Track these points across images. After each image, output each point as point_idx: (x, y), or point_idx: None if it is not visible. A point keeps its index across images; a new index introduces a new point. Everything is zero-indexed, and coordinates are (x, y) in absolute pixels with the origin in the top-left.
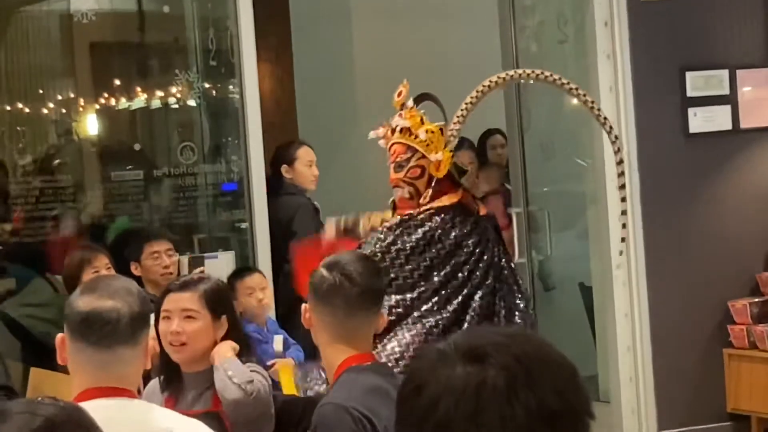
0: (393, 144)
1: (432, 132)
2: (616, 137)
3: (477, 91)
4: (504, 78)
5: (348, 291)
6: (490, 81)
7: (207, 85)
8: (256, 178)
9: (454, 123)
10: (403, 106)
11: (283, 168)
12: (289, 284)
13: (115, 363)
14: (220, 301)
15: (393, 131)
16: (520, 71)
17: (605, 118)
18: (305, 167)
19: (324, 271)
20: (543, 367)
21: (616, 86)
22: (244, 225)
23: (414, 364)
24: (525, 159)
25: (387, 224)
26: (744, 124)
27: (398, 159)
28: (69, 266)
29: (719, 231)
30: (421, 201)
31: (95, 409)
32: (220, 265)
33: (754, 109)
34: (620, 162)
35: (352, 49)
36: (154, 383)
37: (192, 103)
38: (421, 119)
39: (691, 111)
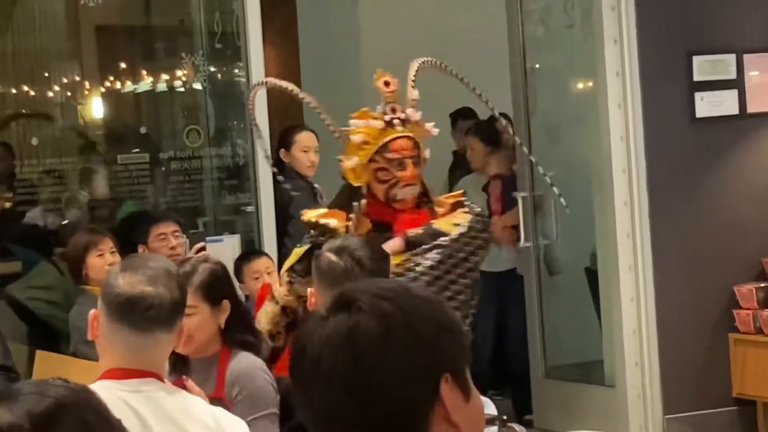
0: (399, 138)
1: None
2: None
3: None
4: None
5: (358, 275)
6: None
7: (213, 69)
8: (262, 161)
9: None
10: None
11: (281, 152)
12: None
13: (151, 347)
14: (217, 288)
15: (392, 122)
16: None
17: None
18: (301, 153)
19: (332, 256)
20: (410, 300)
21: (623, 71)
22: (249, 208)
23: (299, 331)
24: (531, 143)
25: (446, 239)
26: (751, 108)
27: (412, 154)
28: (74, 249)
29: (725, 215)
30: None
31: (135, 388)
32: (225, 249)
33: (761, 93)
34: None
35: (358, 32)
36: None
37: (198, 86)
38: None
39: (697, 95)
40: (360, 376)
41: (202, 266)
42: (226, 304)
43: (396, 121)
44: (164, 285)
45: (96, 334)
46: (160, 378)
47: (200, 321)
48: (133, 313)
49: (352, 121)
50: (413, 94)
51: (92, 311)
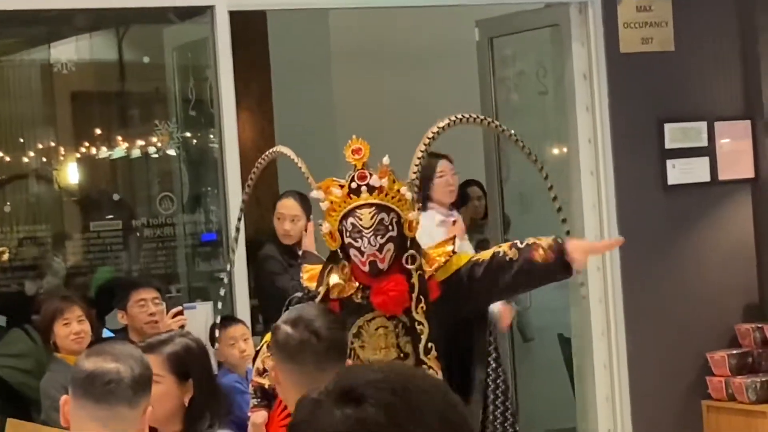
0: (360, 206)
1: (408, 190)
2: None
3: (424, 144)
4: (448, 124)
5: (316, 347)
6: (436, 128)
7: (187, 135)
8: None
9: (413, 179)
10: (365, 164)
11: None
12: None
13: (114, 420)
14: (187, 363)
15: (353, 192)
16: (465, 116)
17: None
18: (277, 220)
19: (289, 329)
20: (420, 394)
21: (594, 138)
22: (222, 275)
23: (294, 417)
24: (504, 209)
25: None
26: (722, 176)
27: (374, 222)
28: (42, 317)
29: (698, 282)
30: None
31: None
32: (198, 316)
33: (732, 161)
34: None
35: (332, 98)
36: None
37: (172, 152)
38: (394, 178)
39: (669, 163)
40: None
41: (179, 339)
42: (191, 383)
43: (363, 188)
44: (125, 362)
45: (67, 418)
46: None
47: (162, 392)
48: (94, 387)
49: (313, 193)
50: (384, 160)
51: (64, 397)
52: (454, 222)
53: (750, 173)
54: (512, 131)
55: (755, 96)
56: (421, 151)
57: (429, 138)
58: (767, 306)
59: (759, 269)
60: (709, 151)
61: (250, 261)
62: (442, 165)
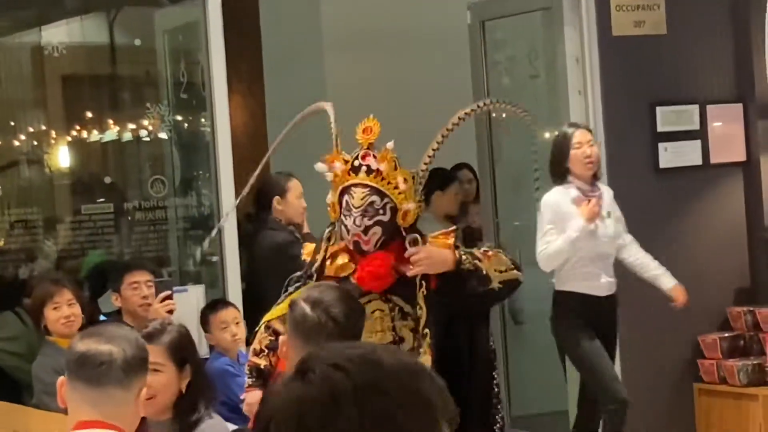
0: (356, 185)
1: (406, 180)
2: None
3: (442, 135)
4: (470, 112)
5: (331, 331)
6: (458, 118)
7: (178, 118)
8: (227, 210)
9: (423, 169)
10: (371, 145)
11: (275, 200)
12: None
13: (105, 402)
14: (184, 350)
15: (354, 169)
16: (488, 101)
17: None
18: (297, 199)
19: (307, 308)
20: (370, 371)
21: (587, 121)
22: (214, 258)
23: (265, 392)
24: (496, 191)
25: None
26: (714, 159)
27: (364, 203)
28: (33, 301)
29: (690, 265)
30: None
31: None
32: (190, 299)
33: (724, 144)
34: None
35: (323, 82)
36: None
37: (163, 135)
38: (396, 164)
39: (661, 146)
40: None
41: (170, 327)
42: (189, 369)
43: (363, 168)
44: (118, 344)
45: (63, 399)
46: None
47: (166, 380)
48: (85, 368)
49: (317, 165)
50: (388, 144)
51: (60, 378)
52: (590, 200)
53: (742, 156)
54: (527, 111)
55: (747, 79)
56: (438, 143)
57: (448, 129)
58: (759, 289)
59: (750, 252)
60: (701, 134)
61: (247, 249)
62: (578, 136)
